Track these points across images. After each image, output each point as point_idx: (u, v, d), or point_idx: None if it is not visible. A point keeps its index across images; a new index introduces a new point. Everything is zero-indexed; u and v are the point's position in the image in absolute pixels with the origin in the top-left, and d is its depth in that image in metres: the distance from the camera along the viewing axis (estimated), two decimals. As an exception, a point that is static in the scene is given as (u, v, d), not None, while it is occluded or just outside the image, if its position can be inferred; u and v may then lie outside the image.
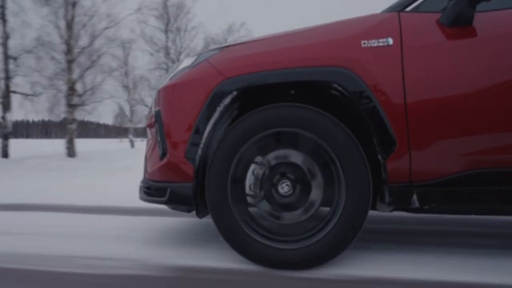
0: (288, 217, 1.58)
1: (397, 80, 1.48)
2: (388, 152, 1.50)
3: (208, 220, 2.24)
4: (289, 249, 1.54)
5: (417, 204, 1.52)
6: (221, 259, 1.69)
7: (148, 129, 2.01)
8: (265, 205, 1.60)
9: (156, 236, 2.15)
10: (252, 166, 1.64)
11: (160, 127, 1.75)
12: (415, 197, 1.52)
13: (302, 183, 1.57)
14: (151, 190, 1.81)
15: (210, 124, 1.64)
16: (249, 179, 1.64)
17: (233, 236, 1.58)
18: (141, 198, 1.90)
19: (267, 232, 1.60)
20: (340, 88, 1.54)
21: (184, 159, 1.67)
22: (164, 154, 1.75)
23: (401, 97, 1.48)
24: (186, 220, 2.56)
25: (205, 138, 1.64)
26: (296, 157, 1.58)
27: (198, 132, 1.65)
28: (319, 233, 1.53)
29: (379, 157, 1.52)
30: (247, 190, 1.64)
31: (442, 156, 1.47)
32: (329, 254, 1.52)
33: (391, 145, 1.49)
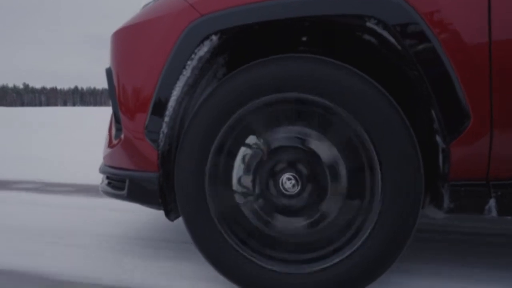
0: (283, 225, 1.06)
1: (477, 7, 0.88)
2: (455, 132, 0.92)
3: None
4: (294, 274, 1.03)
5: (494, 213, 0.96)
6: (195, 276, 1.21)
7: None
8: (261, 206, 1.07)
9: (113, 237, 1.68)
10: (243, 151, 1.09)
11: (111, 91, 1.23)
12: (492, 202, 0.96)
13: (314, 180, 1.03)
14: (111, 180, 1.32)
15: (177, 86, 1.10)
16: (238, 170, 1.10)
17: (213, 251, 1.08)
18: (102, 190, 1.40)
19: (264, 246, 1.08)
20: (376, 27, 0.96)
21: (143, 138, 1.15)
22: (119, 130, 1.24)
23: (483, 37, 0.88)
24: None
25: (171, 107, 1.11)
26: (304, 138, 1.03)
27: (161, 98, 1.11)
28: (341, 252, 1.01)
29: (438, 139, 0.96)
30: (235, 186, 1.10)
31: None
32: (357, 282, 1.00)
33: (461, 120, 0.92)
